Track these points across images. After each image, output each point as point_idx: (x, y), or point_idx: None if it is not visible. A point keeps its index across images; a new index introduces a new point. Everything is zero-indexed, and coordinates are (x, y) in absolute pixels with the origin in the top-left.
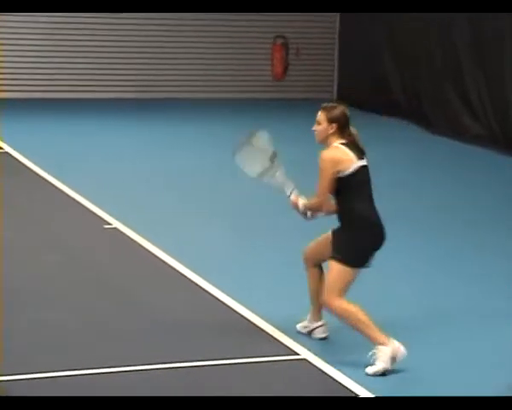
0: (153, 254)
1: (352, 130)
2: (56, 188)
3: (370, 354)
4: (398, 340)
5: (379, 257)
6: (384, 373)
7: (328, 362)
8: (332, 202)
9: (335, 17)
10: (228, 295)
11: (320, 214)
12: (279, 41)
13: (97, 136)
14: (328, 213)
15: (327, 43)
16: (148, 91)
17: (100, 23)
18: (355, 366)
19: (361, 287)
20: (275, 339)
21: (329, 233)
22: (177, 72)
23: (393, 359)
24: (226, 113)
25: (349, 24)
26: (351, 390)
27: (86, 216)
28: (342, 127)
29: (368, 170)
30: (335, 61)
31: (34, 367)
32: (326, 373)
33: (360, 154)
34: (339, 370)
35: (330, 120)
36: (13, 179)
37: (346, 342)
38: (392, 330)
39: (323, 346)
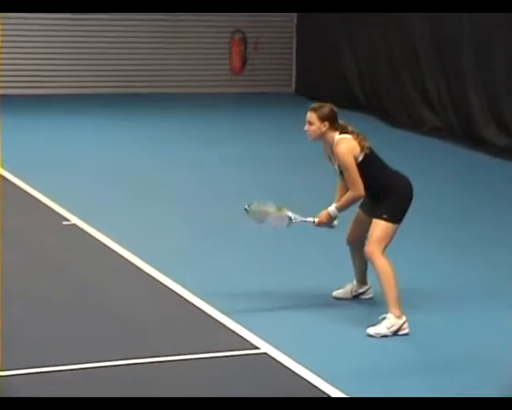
0: (111, 250)
1: (341, 122)
2: (13, 184)
3: (381, 317)
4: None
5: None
6: (383, 336)
7: (292, 357)
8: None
9: None
10: (188, 289)
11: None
12: (237, 35)
13: (58, 133)
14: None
15: (285, 38)
16: (106, 87)
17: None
18: (323, 362)
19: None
20: (233, 332)
21: (359, 211)
22: (138, 67)
23: (395, 332)
24: (185, 107)
25: (307, 18)
26: (320, 389)
27: (44, 213)
28: (334, 122)
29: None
30: (293, 55)
31: None
32: (290, 369)
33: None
34: (304, 366)
35: (322, 119)
36: None
37: (313, 336)
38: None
39: (286, 339)
